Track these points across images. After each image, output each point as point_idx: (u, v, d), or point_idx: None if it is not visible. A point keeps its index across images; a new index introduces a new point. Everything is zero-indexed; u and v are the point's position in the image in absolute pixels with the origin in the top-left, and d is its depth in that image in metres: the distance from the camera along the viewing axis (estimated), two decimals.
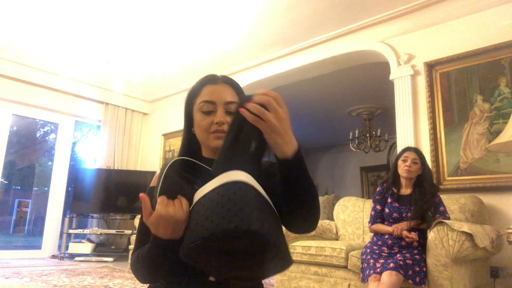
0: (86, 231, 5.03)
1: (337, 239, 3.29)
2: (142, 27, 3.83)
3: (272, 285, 2.96)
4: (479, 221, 2.48)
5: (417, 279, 2.06)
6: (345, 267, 2.59)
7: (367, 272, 2.20)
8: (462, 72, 3.01)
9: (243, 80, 4.58)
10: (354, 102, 5.88)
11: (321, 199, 5.71)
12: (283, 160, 0.78)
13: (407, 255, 2.15)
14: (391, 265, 2.07)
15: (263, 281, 0.97)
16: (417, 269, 2.08)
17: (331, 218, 3.64)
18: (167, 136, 5.63)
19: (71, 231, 4.96)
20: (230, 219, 0.68)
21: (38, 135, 7.21)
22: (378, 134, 5.94)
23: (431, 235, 2.10)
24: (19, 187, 7.61)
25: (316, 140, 8.18)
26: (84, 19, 3.72)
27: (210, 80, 1.00)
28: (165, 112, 5.80)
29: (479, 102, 2.88)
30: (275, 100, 0.74)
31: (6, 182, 5.28)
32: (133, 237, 4.06)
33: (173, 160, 0.90)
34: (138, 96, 5.91)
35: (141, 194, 0.82)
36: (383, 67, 3.64)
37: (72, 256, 4.91)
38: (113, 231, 5.06)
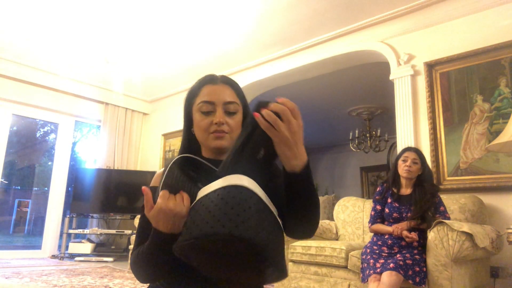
0: (86, 231, 5.03)
1: (337, 239, 3.29)
2: (142, 27, 3.83)
3: (272, 285, 2.96)
4: (479, 221, 2.48)
5: (417, 279, 2.06)
6: (345, 267, 2.59)
7: (367, 272, 2.20)
8: (462, 72, 3.01)
9: (243, 80, 4.58)
10: (354, 102, 5.88)
11: (321, 199, 5.71)
12: (291, 173, 0.77)
13: (407, 255, 2.15)
14: (391, 265, 2.07)
15: None
16: (417, 269, 2.08)
17: (331, 218, 3.64)
18: (167, 136, 5.63)
19: (71, 231, 4.96)
20: (225, 223, 0.67)
21: (38, 135, 7.22)
22: (378, 134, 5.94)
23: (431, 235, 2.10)
24: (19, 187, 7.61)
25: (316, 140, 8.17)
26: (84, 19, 3.72)
27: (209, 80, 1.00)
28: (165, 112, 5.80)
29: (479, 102, 2.88)
30: (291, 111, 0.72)
31: (6, 182, 5.28)
32: (133, 237, 4.06)
33: (178, 157, 0.89)
34: (138, 96, 5.91)
35: (143, 187, 0.83)
36: (383, 67, 3.64)
37: (72, 256, 4.91)
38: (113, 231, 5.06)
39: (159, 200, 0.79)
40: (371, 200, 2.93)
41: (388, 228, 2.35)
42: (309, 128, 7.13)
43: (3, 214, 7.31)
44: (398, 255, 2.18)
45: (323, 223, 3.32)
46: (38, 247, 5.16)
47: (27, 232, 7.84)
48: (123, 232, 4.93)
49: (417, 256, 2.14)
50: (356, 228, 3.21)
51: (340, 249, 2.62)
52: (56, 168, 5.29)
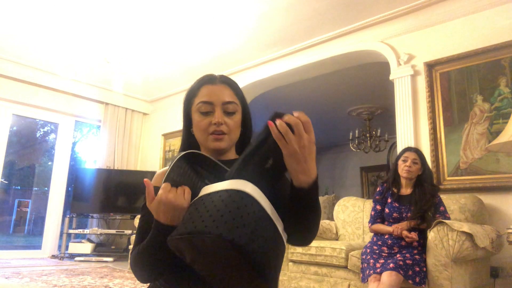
0: (86, 231, 5.03)
1: (337, 239, 3.29)
2: (142, 27, 3.83)
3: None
4: (479, 221, 2.48)
5: (417, 279, 2.06)
6: (345, 267, 2.59)
7: (367, 272, 2.20)
8: (462, 72, 3.01)
9: (243, 80, 4.57)
10: (354, 102, 5.88)
11: (321, 199, 5.70)
12: (297, 188, 0.78)
13: (407, 255, 2.15)
14: (391, 265, 2.07)
15: None
16: (417, 269, 2.08)
17: (331, 218, 3.64)
18: (167, 136, 5.63)
19: (71, 231, 4.96)
20: (219, 225, 0.67)
21: (38, 135, 7.22)
22: (378, 134, 5.94)
23: (431, 235, 2.10)
24: (19, 187, 7.61)
25: (316, 140, 8.04)
26: (84, 19, 3.72)
27: (208, 80, 1.00)
28: (165, 112, 5.80)
29: (479, 102, 2.88)
30: (304, 125, 0.73)
31: (6, 182, 5.27)
32: (133, 237, 4.05)
33: (186, 152, 0.89)
34: (138, 96, 5.91)
35: (145, 179, 0.84)
36: (383, 67, 3.64)
37: (72, 256, 4.91)
38: (113, 231, 5.06)
39: (160, 191, 0.80)
40: (371, 200, 2.93)
41: (388, 228, 2.35)
42: None
43: (3, 214, 7.32)
44: (398, 255, 2.18)
45: (323, 223, 3.32)
46: (38, 247, 5.16)
47: (27, 232, 7.85)
48: (123, 232, 4.93)
49: (417, 256, 2.14)
50: (356, 228, 3.21)
51: (340, 249, 2.62)
52: (56, 168, 5.29)
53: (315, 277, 2.75)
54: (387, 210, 2.44)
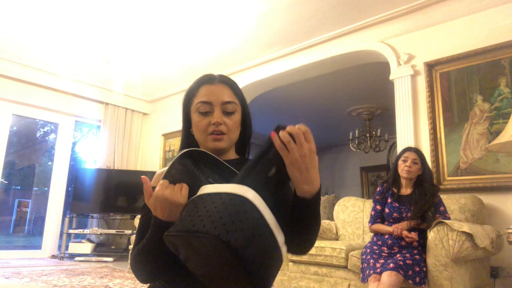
0: (86, 231, 5.03)
1: (337, 239, 3.29)
2: (142, 27, 3.83)
3: (272, 285, 2.96)
4: (479, 221, 2.48)
5: (417, 279, 2.05)
6: (345, 267, 2.59)
7: (367, 272, 2.20)
8: (462, 72, 3.01)
9: (243, 80, 4.58)
10: (354, 102, 5.88)
11: (321, 199, 5.70)
12: (300, 198, 0.79)
13: (407, 255, 2.15)
14: (391, 265, 2.07)
15: None
16: (417, 269, 2.08)
17: (331, 218, 3.64)
18: (167, 136, 5.63)
19: (71, 231, 4.96)
20: (217, 226, 0.68)
21: (38, 135, 7.22)
22: (378, 134, 5.94)
23: (431, 235, 2.10)
24: (19, 187, 7.62)
25: (316, 140, 7.93)
26: (84, 19, 3.72)
27: (207, 80, 1.00)
28: (165, 112, 5.80)
29: (479, 102, 2.88)
30: (303, 134, 0.76)
31: (6, 182, 5.27)
32: (133, 237, 4.06)
33: (189, 149, 0.90)
34: (138, 96, 5.91)
35: (143, 176, 0.85)
36: (383, 67, 3.64)
37: (72, 256, 4.91)
38: (113, 231, 5.06)
39: (157, 187, 0.82)
40: (371, 200, 2.92)
41: (388, 228, 2.35)
42: (309, 128, 7.12)
43: (3, 214, 7.31)
44: (398, 255, 2.18)
45: (323, 223, 3.32)
46: (38, 247, 5.16)
47: (27, 232, 7.84)
48: (123, 232, 4.93)
49: (417, 256, 2.14)
50: (356, 228, 3.21)
51: (340, 249, 2.62)
52: (56, 168, 5.29)
53: (315, 277, 2.75)
54: (387, 210, 2.44)
